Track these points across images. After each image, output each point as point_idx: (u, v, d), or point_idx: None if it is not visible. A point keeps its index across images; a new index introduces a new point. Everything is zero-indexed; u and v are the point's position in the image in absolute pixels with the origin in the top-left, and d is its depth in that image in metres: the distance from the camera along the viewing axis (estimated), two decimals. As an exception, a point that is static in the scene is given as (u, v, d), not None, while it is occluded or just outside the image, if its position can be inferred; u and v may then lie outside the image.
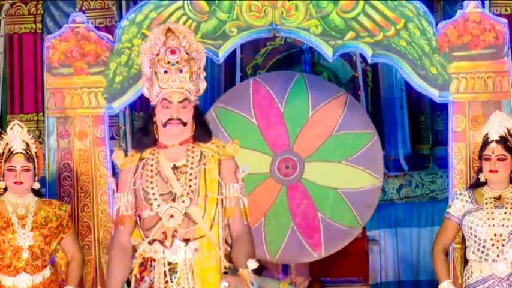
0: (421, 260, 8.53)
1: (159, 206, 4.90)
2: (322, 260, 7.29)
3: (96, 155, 6.59)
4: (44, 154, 6.23)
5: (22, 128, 6.04)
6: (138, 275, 5.01)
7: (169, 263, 4.91)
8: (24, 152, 5.99)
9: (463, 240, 5.94)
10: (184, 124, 4.89)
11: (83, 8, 8.58)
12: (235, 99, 7.32)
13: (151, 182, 4.91)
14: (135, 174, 4.95)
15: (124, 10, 8.52)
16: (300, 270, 7.57)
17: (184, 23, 6.60)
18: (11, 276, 5.93)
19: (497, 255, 5.72)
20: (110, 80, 6.44)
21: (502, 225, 5.74)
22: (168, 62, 4.88)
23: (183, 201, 4.91)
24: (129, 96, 6.68)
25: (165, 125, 4.87)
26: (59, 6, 8.97)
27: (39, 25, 9.10)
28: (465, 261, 5.95)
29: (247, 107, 7.12)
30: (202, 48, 4.99)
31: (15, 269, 5.89)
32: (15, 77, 9.08)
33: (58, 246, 6.08)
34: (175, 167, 4.93)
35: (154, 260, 4.94)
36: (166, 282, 4.90)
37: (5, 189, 5.96)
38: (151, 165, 4.93)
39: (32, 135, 6.10)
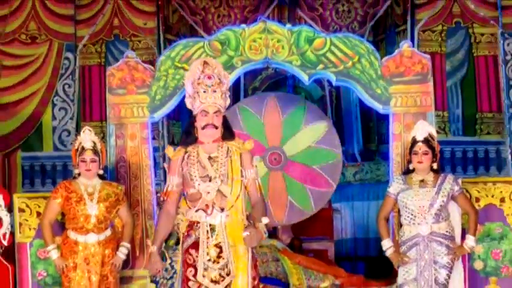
0: (370, 223, 8.56)
1: (199, 185, 5.10)
2: (300, 223, 7.35)
3: (142, 150, 6.68)
4: (106, 150, 6.35)
5: (91, 131, 6.22)
6: (185, 233, 5.21)
7: (210, 225, 5.09)
8: (92, 148, 6.10)
9: (399, 210, 6.16)
10: (216, 128, 5.12)
11: (133, 48, 8.75)
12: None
13: (194, 168, 5.12)
14: (182, 163, 5.16)
15: (162, 49, 8.48)
16: (285, 231, 7.59)
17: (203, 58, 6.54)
18: (83, 235, 6.01)
19: (421, 220, 5.90)
20: (152, 98, 6.65)
21: (425, 200, 5.92)
22: (206, 85, 5.09)
23: (216, 182, 5.09)
24: (166, 109, 6.84)
25: (203, 128, 5.11)
26: (116, 46, 9.13)
27: (103, 59, 9.22)
28: (400, 225, 6.17)
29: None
30: (228, 75, 5.33)
31: (86, 230, 6.02)
32: (87, 96, 9.22)
33: (116, 214, 6.23)
34: (210, 158, 5.14)
35: (198, 222, 5.11)
36: (208, 238, 5.07)
37: (79, 174, 6.13)
38: (193, 156, 5.15)
39: (98, 136, 6.33)
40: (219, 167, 5.09)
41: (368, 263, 8.07)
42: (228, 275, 5.04)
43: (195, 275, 5.03)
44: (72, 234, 5.98)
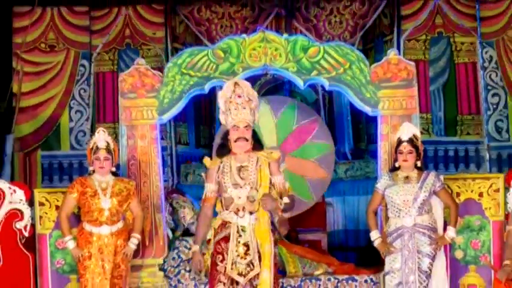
0: (360, 216, 8.55)
1: (231, 191, 5.38)
2: (296, 216, 7.19)
3: (151, 150, 6.66)
4: (118, 149, 6.36)
5: (104, 132, 6.22)
6: (217, 229, 5.46)
7: (241, 226, 5.35)
8: (105, 147, 6.10)
9: (386, 204, 6.14)
10: (247, 140, 5.40)
11: (143, 55, 8.79)
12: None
13: (227, 176, 5.40)
14: (218, 171, 5.43)
15: (169, 56, 8.49)
16: (283, 224, 7.57)
17: (208, 65, 6.72)
18: (97, 226, 6.02)
19: (406, 213, 5.92)
20: (160, 101, 6.66)
21: (409, 194, 5.93)
22: (237, 103, 5.38)
23: (246, 188, 5.36)
24: (173, 112, 6.81)
25: (235, 141, 5.39)
26: (128, 54, 9.15)
27: (115, 66, 9.21)
28: (387, 218, 6.16)
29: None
30: (256, 94, 5.56)
31: (100, 222, 6.02)
32: (101, 99, 9.22)
33: (127, 208, 6.21)
34: (241, 167, 5.41)
35: (230, 222, 5.37)
36: (238, 236, 5.32)
37: (93, 171, 6.13)
38: (227, 166, 5.42)
39: (111, 136, 6.33)
40: (249, 175, 5.33)
41: (358, 253, 7.99)
42: (252, 269, 5.27)
43: (222, 261, 5.27)
44: (87, 226, 5.98)
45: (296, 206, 7.10)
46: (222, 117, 5.47)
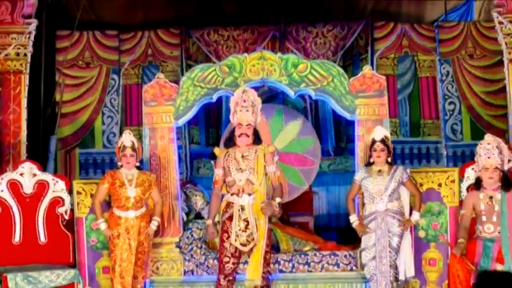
0: (341, 202, 8.46)
1: (235, 174, 5.56)
2: (288, 203, 7.18)
3: (169, 148, 6.61)
4: (141, 148, 6.32)
5: (130, 133, 6.25)
6: (224, 209, 5.65)
7: (241, 205, 5.51)
8: (131, 146, 6.12)
9: (362, 193, 6.16)
10: (248, 136, 5.62)
11: (162, 71, 8.65)
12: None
13: (231, 163, 5.60)
14: (224, 158, 5.65)
15: (184, 71, 8.46)
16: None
17: (216, 78, 6.64)
18: (124, 211, 6.03)
19: (379, 200, 5.96)
20: (176, 109, 6.63)
21: (381, 185, 5.97)
22: (242, 106, 5.64)
23: (246, 173, 5.53)
24: (187, 117, 6.76)
25: (239, 136, 5.62)
26: (150, 70, 9.06)
27: (140, 80, 9.08)
28: (363, 204, 6.18)
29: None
30: (259, 100, 5.78)
31: (126, 208, 6.04)
32: (127, 107, 9.14)
33: (149, 196, 6.19)
34: (243, 156, 5.59)
35: (233, 203, 5.57)
36: (239, 214, 5.48)
37: (121, 166, 6.14)
38: (232, 155, 5.64)
39: (135, 137, 6.35)
40: (249, 162, 5.51)
41: (339, 233, 7.90)
42: (252, 240, 5.48)
43: (228, 238, 5.49)
44: (116, 211, 5.99)
45: (292, 191, 7.37)
46: (231, 117, 5.68)
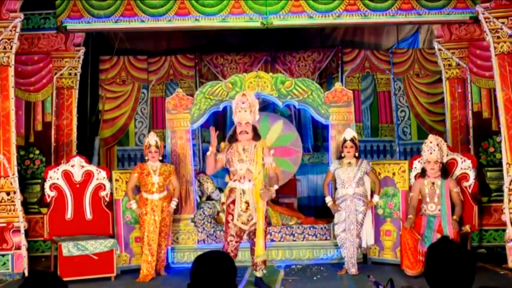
0: (318, 187, 8.48)
1: (236, 164, 5.24)
2: (278, 188, 7.01)
3: (186, 146, 6.58)
4: (164, 146, 6.23)
5: (154, 134, 6.16)
6: (228, 194, 5.36)
7: (242, 189, 5.22)
8: (155, 144, 6.00)
9: (335, 180, 6.04)
10: (247, 133, 5.25)
11: (181, 86, 8.56)
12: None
13: (233, 155, 5.28)
14: (227, 150, 5.33)
15: (197, 87, 8.38)
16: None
17: (222, 92, 6.56)
18: (150, 194, 5.92)
19: (348, 186, 5.90)
20: (192, 116, 6.58)
21: (350, 174, 5.92)
22: (241, 107, 5.24)
23: (247, 163, 5.21)
24: (200, 122, 6.72)
25: (240, 133, 5.27)
26: (171, 86, 9.03)
27: (164, 93, 9.02)
28: (335, 188, 6.09)
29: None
30: (257, 101, 5.40)
31: (152, 192, 5.94)
32: (154, 114, 9.05)
33: (169, 182, 6.08)
34: (243, 149, 5.26)
35: (235, 188, 5.26)
36: (241, 197, 5.20)
37: (148, 160, 6.02)
38: (234, 148, 5.30)
39: (159, 137, 6.26)
40: (249, 154, 5.17)
41: (317, 210, 7.84)
42: (251, 219, 5.18)
43: (232, 219, 5.18)
44: (144, 194, 5.90)
45: (284, 175, 7.10)
46: (233, 117, 5.31)
